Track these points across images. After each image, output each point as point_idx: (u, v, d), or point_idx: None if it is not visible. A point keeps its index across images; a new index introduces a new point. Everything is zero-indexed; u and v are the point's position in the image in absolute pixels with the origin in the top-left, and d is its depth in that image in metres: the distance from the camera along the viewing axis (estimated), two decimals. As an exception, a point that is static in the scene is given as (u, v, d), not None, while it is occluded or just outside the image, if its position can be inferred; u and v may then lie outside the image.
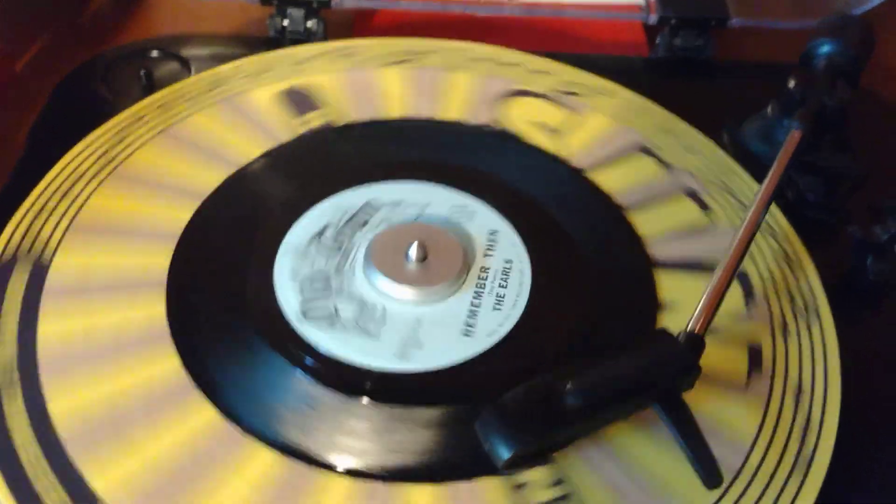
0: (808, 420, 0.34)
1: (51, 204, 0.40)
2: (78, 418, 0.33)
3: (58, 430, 0.32)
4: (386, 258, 0.38)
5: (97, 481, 0.31)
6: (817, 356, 0.36)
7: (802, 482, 0.32)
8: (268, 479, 0.32)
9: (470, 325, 0.36)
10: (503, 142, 0.45)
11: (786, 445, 0.33)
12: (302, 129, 0.45)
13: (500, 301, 0.37)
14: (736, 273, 0.36)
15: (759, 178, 0.44)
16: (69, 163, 0.42)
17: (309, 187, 0.42)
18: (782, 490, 0.32)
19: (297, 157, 0.44)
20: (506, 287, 0.38)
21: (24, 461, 0.31)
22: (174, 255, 0.38)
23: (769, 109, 0.47)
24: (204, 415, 0.33)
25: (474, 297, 0.37)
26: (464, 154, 0.44)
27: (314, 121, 0.45)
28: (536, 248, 0.40)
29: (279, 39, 0.53)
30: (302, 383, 0.34)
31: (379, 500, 0.32)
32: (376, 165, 0.43)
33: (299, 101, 0.46)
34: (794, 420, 0.34)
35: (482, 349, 0.36)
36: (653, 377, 0.32)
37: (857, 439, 0.35)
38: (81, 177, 0.41)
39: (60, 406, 0.33)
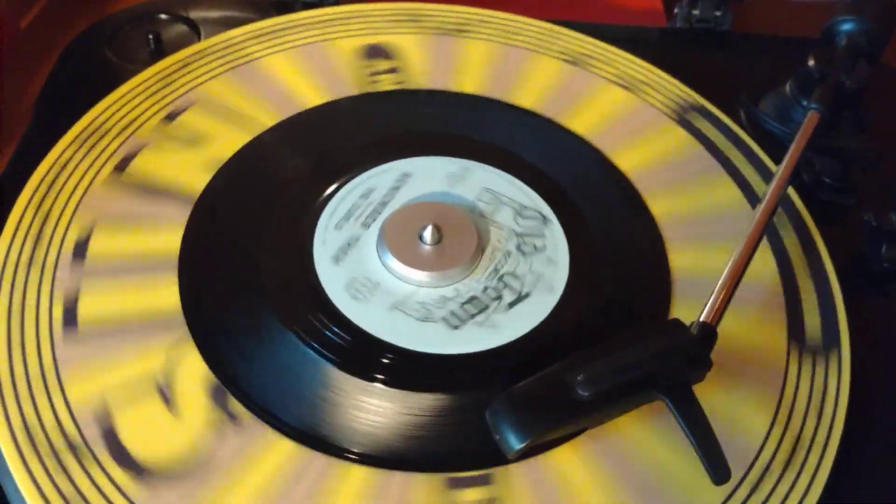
0: (820, 412, 0.34)
1: (59, 181, 0.39)
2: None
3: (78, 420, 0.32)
4: (400, 239, 0.37)
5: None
6: (831, 349, 0.36)
7: (814, 474, 0.33)
8: (284, 470, 0.32)
9: (481, 311, 0.36)
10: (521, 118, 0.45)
11: (797, 440, 0.34)
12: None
13: (513, 285, 0.37)
14: (750, 261, 0.36)
15: (774, 157, 0.44)
16: (76, 137, 0.41)
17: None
18: (794, 483, 0.33)
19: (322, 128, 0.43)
20: (519, 270, 0.38)
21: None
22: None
23: (787, 87, 0.47)
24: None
25: (487, 280, 0.37)
26: (488, 130, 0.44)
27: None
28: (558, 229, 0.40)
29: (290, 3, 0.52)
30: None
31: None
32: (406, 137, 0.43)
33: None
34: (806, 413, 0.34)
35: (495, 335, 0.36)
36: (663, 369, 0.32)
37: (866, 426, 0.35)
38: (86, 155, 0.41)
39: (75, 384, 0.33)
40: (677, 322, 0.34)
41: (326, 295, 0.36)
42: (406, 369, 0.34)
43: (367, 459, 0.32)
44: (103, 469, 0.31)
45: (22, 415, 0.32)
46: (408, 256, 0.37)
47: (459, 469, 0.33)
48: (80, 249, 0.37)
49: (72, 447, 0.32)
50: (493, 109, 0.45)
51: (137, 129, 0.42)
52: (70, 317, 0.35)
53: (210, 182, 0.40)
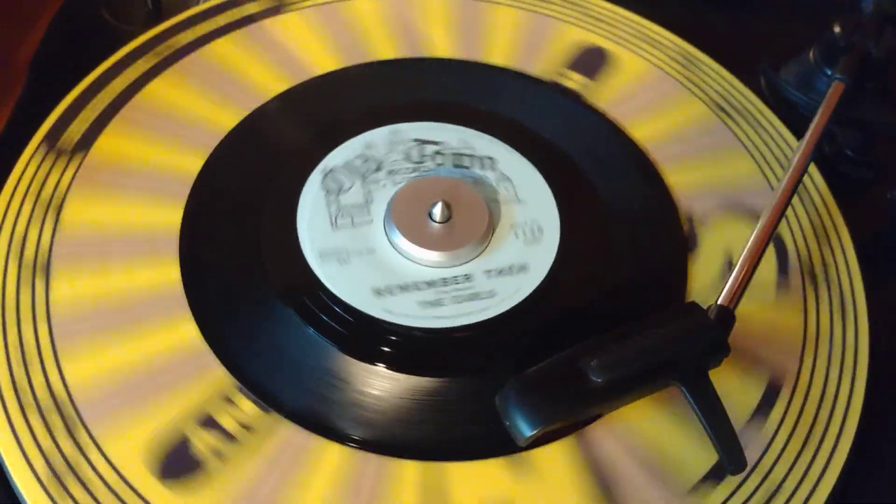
0: (835, 398, 0.34)
1: (57, 147, 0.38)
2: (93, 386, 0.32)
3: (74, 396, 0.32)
4: (408, 216, 0.36)
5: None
6: (848, 333, 0.35)
7: (827, 463, 0.32)
8: (288, 453, 0.31)
9: (491, 289, 0.35)
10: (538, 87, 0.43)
11: (811, 428, 0.33)
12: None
13: (525, 264, 0.36)
14: (770, 241, 0.35)
15: (795, 128, 0.42)
16: (70, 105, 0.40)
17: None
18: (806, 472, 0.32)
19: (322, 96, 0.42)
20: (530, 246, 0.37)
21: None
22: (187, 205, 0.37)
23: (810, 54, 0.45)
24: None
25: (496, 258, 0.36)
26: (491, 98, 0.42)
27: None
28: (565, 205, 0.38)
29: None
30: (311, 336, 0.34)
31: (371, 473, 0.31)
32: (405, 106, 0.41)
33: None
34: (821, 400, 0.34)
35: (502, 312, 0.35)
36: (679, 355, 0.31)
37: (884, 414, 0.34)
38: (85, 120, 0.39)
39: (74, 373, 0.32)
40: (694, 305, 0.33)
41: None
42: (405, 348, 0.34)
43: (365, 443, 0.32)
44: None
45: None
46: (417, 235, 0.36)
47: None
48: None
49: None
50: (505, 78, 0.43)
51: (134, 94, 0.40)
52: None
53: (212, 154, 0.39)
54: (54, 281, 0.34)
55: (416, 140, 0.39)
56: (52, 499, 0.29)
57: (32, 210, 0.36)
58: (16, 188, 0.37)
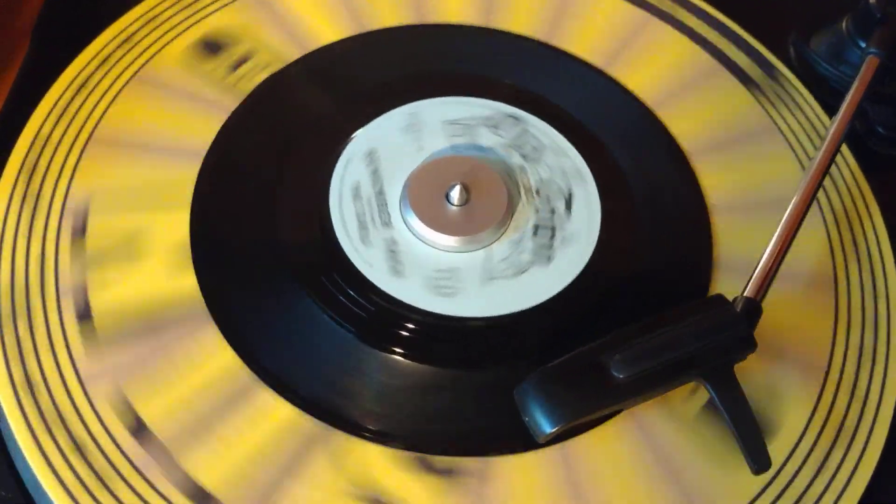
0: (866, 398, 0.33)
1: (58, 130, 0.37)
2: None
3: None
4: (425, 199, 0.35)
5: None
6: (880, 318, 0.34)
7: (855, 467, 0.31)
8: (292, 432, 0.31)
9: (515, 275, 0.34)
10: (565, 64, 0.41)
11: (840, 429, 0.32)
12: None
13: (548, 249, 0.35)
14: (799, 228, 0.34)
15: (825, 104, 0.41)
16: (74, 78, 0.38)
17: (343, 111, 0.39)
18: (836, 472, 0.31)
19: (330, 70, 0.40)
20: (553, 234, 0.35)
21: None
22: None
23: (843, 24, 0.43)
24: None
25: (519, 243, 0.35)
26: (517, 71, 0.40)
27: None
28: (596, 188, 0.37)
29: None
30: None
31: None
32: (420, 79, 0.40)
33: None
34: (851, 398, 0.33)
35: (527, 304, 0.34)
36: (704, 350, 0.30)
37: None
38: (90, 95, 0.38)
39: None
40: (720, 298, 0.32)
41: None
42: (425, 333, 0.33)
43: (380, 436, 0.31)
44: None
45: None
46: (434, 219, 0.35)
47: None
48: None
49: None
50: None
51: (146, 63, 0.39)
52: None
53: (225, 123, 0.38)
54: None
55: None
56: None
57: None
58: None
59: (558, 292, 0.34)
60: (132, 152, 0.36)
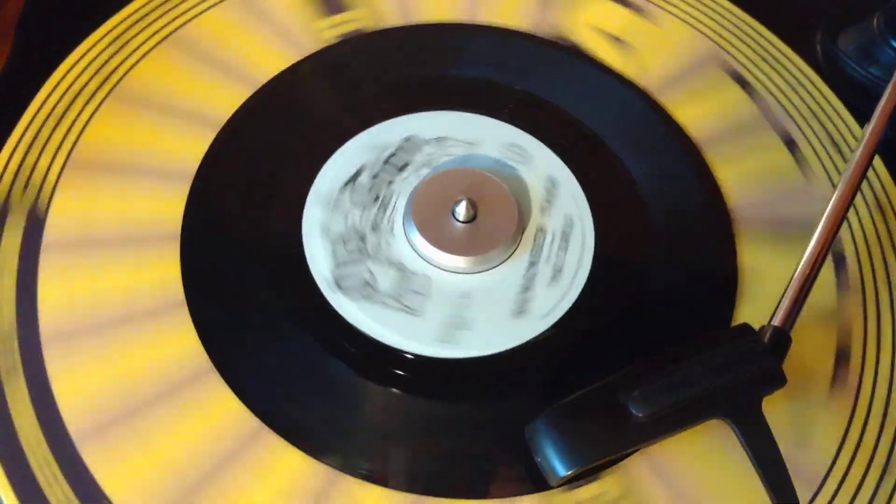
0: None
1: (43, 133, 0.35)
2: (86, 406, 0.29)
3: (65, 421, 0.29)
4: (429, 216, 0.33)
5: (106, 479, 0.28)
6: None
7: (891, 495, 0.30)
8: (296, 485, 0.29)
9: (522, 303, 0.32)
10: (570, 61, 0.39)
11: (870, 462, 0.30)
12: (329, 36, 0.39)
13: (557, 272, 0.33)
14: (829, 250, 0.32)
15: (854, 108, 0.38)
16: (61, 80, 0.36)
17: (338, 118, 0.36)
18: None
19: (322, 75, 0.38)
20: (565, 253, 0.33)
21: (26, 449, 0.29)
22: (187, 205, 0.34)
23: (874, 22, 0.40)
24: (225, 404, 0.30)
25: (529, 267, 0.33)
26: (521, 76, 0.38)
27: (343, 25, 0.39)
28: (601, 202, 0.35)
29: None
30: (334, 368, 0.31)
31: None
32: (418, 87, 0.37)
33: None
34: (881, 430, 0.31)
35: (537, 332, 0.32)
36: (729, 386, 0.28)
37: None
38: (77, 97, 0.36)
39: (66, 390, 0.30)
40: (746, 327, 0.30)
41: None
42: (426, 377, 0.31)
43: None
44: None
45: None
46: (439, 237, 0.32)
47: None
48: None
49: None
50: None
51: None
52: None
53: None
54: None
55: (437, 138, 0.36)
56: None
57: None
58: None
59: (569, 321, 0.32)
60: (116, 176, 0.34)
